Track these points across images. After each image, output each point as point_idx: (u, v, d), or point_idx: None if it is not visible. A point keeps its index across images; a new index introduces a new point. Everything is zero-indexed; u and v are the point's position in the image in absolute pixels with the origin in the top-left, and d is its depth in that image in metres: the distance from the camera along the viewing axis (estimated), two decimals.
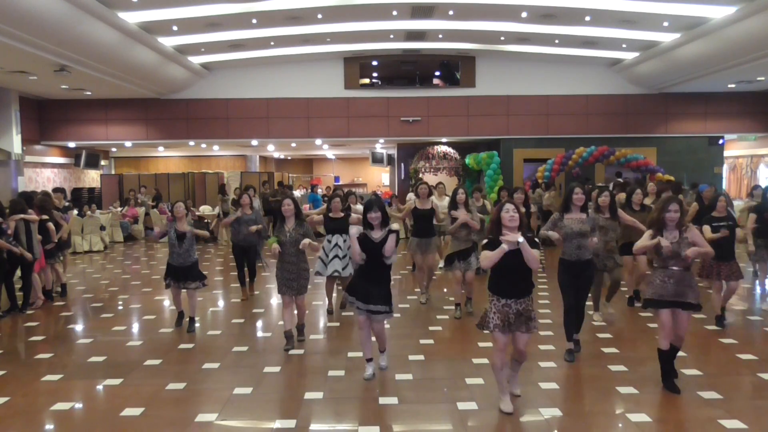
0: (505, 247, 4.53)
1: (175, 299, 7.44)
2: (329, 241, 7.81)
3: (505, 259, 4.57)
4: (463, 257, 7.54)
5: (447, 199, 9.82)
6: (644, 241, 5.17)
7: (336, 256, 7.72)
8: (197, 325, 7.45)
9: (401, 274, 10.78)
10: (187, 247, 7.13)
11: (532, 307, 4.70)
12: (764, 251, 7.89)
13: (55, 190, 11.12)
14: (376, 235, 5.43)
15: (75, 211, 14.15)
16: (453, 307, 8.02)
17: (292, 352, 6.35)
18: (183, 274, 7.17)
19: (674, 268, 5.05)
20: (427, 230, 8.26)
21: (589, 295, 6.91)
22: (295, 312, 6.70)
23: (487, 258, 4.61)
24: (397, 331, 7.19)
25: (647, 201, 8.52)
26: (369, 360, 5.59)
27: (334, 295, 8.30)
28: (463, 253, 7.53)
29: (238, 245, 8.99)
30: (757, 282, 9.54)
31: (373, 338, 5.72)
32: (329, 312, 8.03)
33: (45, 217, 8.77)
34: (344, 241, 7.77)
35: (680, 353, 6.10)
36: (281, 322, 7.45)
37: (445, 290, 9.32)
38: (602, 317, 7.44)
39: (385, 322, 5.64)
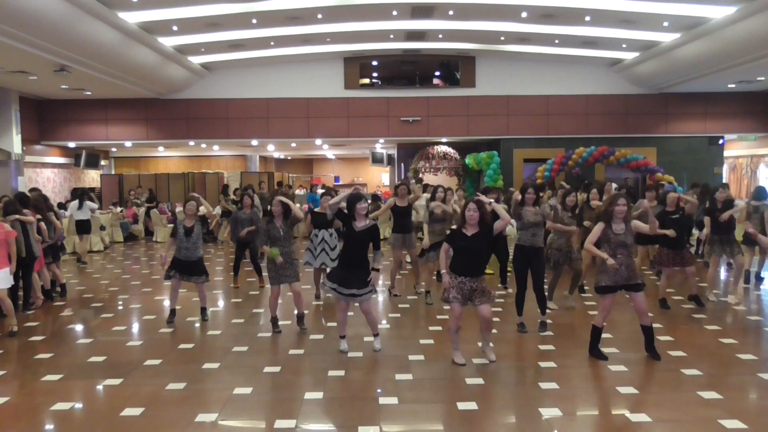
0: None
1: (173, 294, 7.65)
2: (316, 236, 8.51)
3: (462, 243, 5.68)
4: (437, 248, 8.21)
5: (424, 198, 10.86)
6: (594, 236, 5.93)
7: (323, 249, 8.45)
8: (201, 326, 7.50)
9: (401, 274, 10.77)
10: (194, 241, 7.49)
11: (485, 284, 5.76)
12: (718, 246, 8.43)
13: (32, 190, 10.93)
14: (360, 224, 6.08)
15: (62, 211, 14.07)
16: (424, 293, 8.80)
17: (292, 351, 6.37)
18: (189, 269, 7.51)
19: (621, 256, 5.80)
20: (405, 226, 8.98)
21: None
22: (286, 305, 7.45)
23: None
24: (397, 331, 7.20)
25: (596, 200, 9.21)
26: (343, 337, 6.35)
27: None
28: (438, 245, 8.15)
29: (238, 242, 9.83)
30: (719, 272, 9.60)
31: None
32: (316, 297, 8.87)
33: (38, 216, 8.73)
34: (330, 235, 8.56)
35: (680, 353, 6.14)
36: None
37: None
38: (558, 305, 8.14)
39: (372, 303, 6.36)
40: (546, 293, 7.34)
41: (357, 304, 6.33)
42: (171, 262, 7.54)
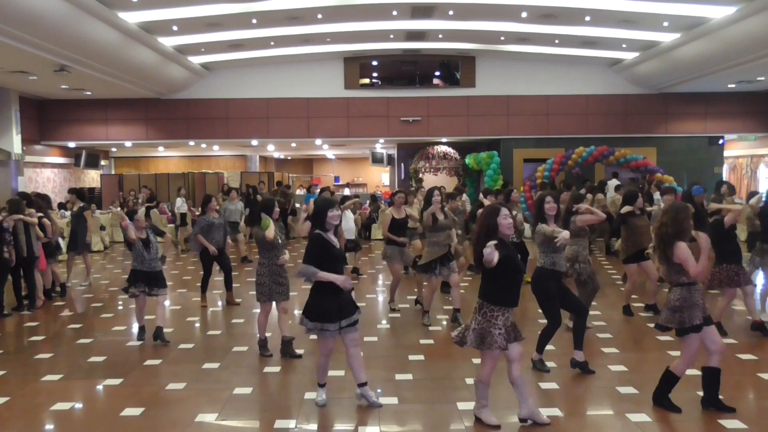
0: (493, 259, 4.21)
1: (140, 311, 6.92)
2: None
3: (511, 264, 4.33)
4: (443, 263, 7.22)
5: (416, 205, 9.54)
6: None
7: None
8: (201, 326, 7.44)
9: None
10: (155, 251, 6.80)
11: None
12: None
13: (71, 191, 11.06)
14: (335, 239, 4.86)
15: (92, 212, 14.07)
16: (422, 312, 7.66)
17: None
18: (153, 281, 6.79)
19: (699, 283, 4.65)
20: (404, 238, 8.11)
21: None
22: (276, 324, 6.35)
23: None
24: (398, 331, 7.20)
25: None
26: (323, 385, 4.98)
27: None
28: (443, 259, 7.21)
29: (206, 250, 8.46)
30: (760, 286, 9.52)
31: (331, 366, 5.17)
32: None
33: (40, 214, 8.77)
34: None
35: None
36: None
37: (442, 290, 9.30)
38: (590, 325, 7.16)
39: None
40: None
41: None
42: (133, 276, 6.84)
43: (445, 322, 7.56)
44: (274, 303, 6.25)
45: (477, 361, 5.89)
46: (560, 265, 5.58)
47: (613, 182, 14.68)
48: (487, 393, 4.53)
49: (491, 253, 4.16)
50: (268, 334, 6.41)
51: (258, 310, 6.46)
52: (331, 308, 4.66)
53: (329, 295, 4.68)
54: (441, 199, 7.35)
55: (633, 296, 8.13)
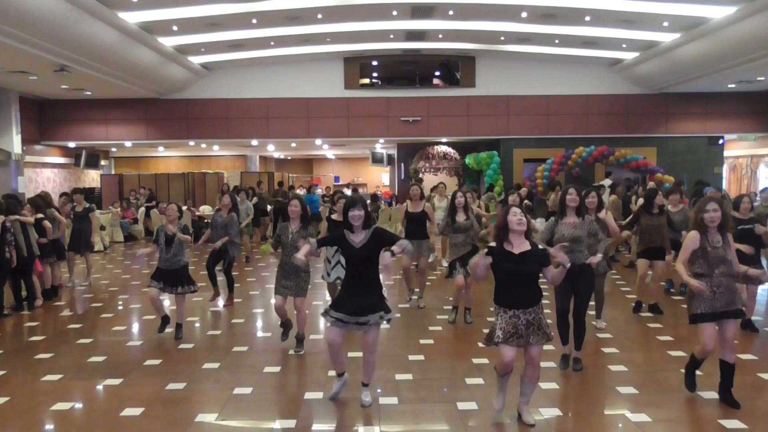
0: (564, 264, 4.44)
1: (154, 302, 6.87)
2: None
3: (508, 265, 4.37)
4: (464, 262, 7.22)
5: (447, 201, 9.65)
6: (688, 251, 4.71)
7: (338, 262, 7.09)
8: (201, 326, 7.45)
9: (401, 273, 10.76)
10: (175, 252, 6.82)
11: (543, 317, 4.43)
12: None
13: (76, 191, 11.07)
14: (357, 239, 4.77)
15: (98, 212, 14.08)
16: (451, 308, 7.89)
17: (292, 351, 6.34)
18: (171, 279, 6.85)
19: (722, 276, 4.64)
20: (419, 232, 8.13)
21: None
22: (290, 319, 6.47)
23: (476, 265, 4.48)
24: (397, 331, 7.19)
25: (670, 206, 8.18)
26: (341, 374, 5.02)
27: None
28: (464, 258, 7.22)
29: (213, 250, 8.55)
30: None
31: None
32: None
33: (39, 215, 8.76)
34: None
35: (680, 353, 6.11)
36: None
37: (445, 292, 9.31)
38: (605, 324, 7.11)
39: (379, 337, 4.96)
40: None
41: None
42: (156, 272, 6.94)
43: (444, 322, 7.56)
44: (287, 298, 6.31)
45: (477, 361, 5.91)
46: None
47: (607, 182, 14.61)
48: (503, 383, 4.61)
49: (477, 266, 4.43)
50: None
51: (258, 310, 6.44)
52: (345, 304, 4.77)
53: (348, 293, 4.82)
54: (465, 201, 7.38)
55: (632, 296, 8.13)
